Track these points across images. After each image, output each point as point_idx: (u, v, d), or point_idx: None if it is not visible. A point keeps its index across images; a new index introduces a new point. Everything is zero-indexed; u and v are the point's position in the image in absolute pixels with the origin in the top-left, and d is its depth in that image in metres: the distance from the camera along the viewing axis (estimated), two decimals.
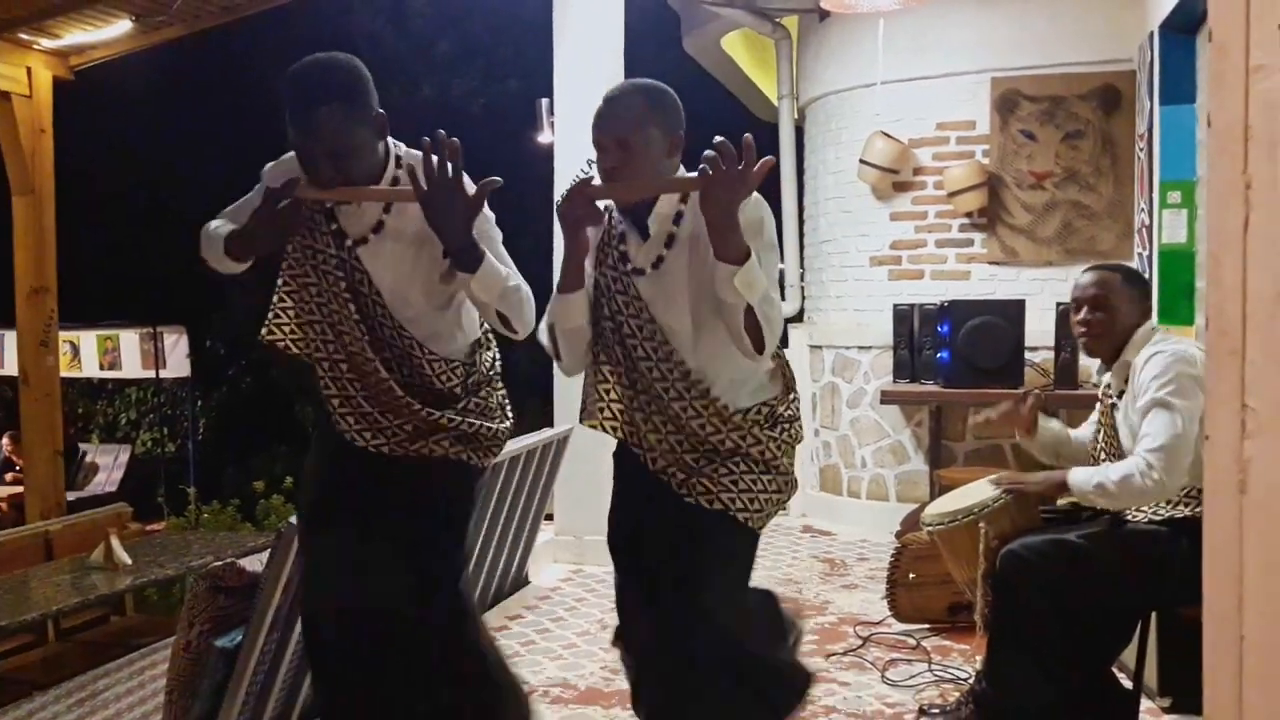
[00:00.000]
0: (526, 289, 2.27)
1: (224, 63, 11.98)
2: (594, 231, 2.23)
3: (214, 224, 2.32)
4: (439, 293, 2.30)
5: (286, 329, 2.32)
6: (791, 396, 2.32)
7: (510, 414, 2.47)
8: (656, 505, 2.26)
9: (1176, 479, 2.62)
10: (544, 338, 2.29)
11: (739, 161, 1.97)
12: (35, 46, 6.90)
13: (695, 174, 2.05)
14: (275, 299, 2.32)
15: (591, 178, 2.16)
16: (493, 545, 4.22)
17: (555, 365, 2.35)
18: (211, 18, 6.70)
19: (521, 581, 4.66)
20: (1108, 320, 2.83)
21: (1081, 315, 2.87)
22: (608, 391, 2.28)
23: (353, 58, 2.21)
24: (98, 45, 6.98)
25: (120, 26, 6.64)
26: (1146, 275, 4.67)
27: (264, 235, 2.21)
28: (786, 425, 2.28)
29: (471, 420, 2.33)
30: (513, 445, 4.17)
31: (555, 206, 2.15)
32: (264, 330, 2.32)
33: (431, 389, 2.31)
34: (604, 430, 2.31)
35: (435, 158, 2.10)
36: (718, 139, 1.97)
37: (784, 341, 4.23)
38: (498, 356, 2.50)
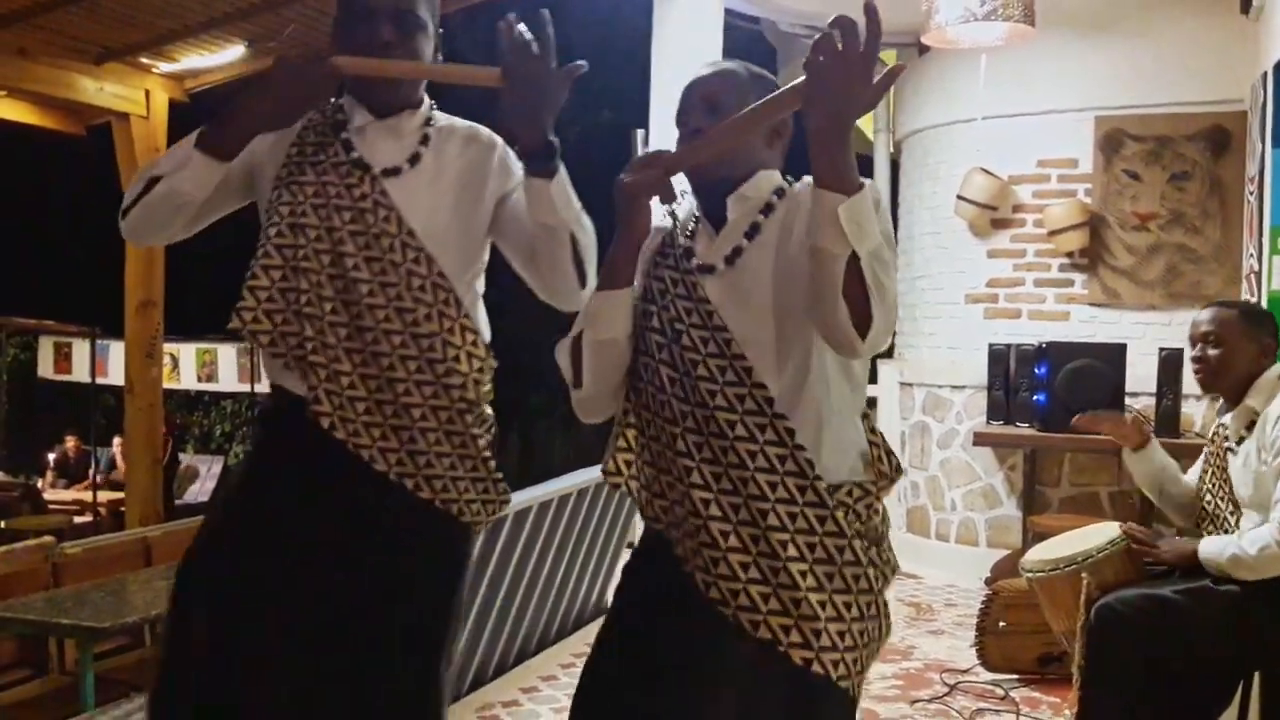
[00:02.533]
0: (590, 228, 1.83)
1: None
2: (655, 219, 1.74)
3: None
4: (471, 257, 1.90)
5: (255, 310, 1.82)
6: (881, 505, 1.67)
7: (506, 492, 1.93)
8: (693, 633, 1.59)
9: None
10: (563, 356, 1.72)
11: (862, 40, 1.41)
12: (154, 70, 7.24)
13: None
14: (248, 273, 1.83)
15: (663, 150, 1.67)
16: (573, 572, 4.26)
17: (575, 405, 1.75)
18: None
19: (602, 608, 4.69)
20: (1222, 358, 2.77)
21: (1196, 351, 2.83)
22: (636, 439, 1.70)
23: None
24: (212, 69, 7.30)
25: (234, 51, 6.93)
26: None
27: (276, 101, 1.77)
28: (879, 544, 1.65)
29: (484, 444, 1.87)
30: (593, 473, 4.21)
31: (616, 181, 1.61)
32: (233, 319, 1.83)
33: (456, 385, 1.82)
34: (628, 491, 1.71)
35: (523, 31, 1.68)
36: (835, 17, 1.42)
37: (872, 377, 4.18)
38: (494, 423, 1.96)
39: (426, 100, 1.93)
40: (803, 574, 1.54)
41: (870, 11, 1.41)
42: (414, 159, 1.85)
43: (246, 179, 1.90)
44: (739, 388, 1.59)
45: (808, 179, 1.58)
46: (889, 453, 1.70)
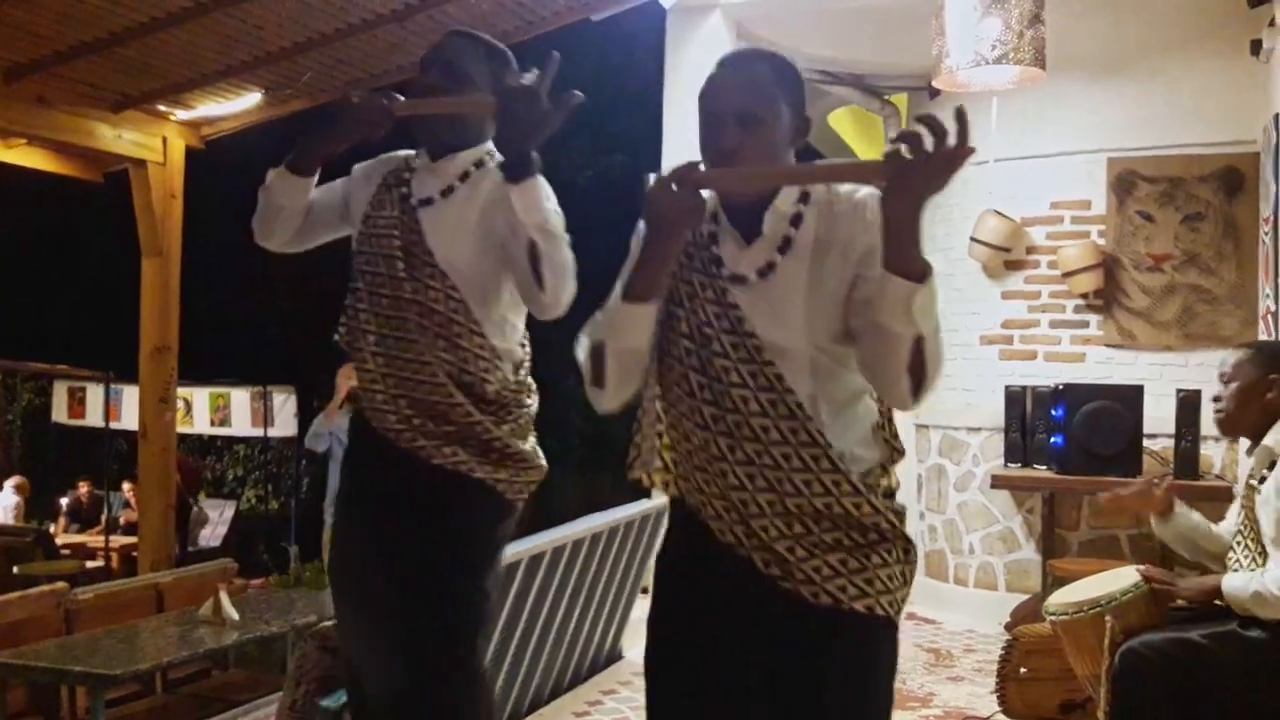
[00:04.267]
0: (569, 254, 2.02)
1: None
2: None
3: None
4: (489, 273, 2.14)
5: (345, 326, 2.20)
6: (893, 468, 1.83)
7: (544, 463, 2.26)
8: (748, 607, 1.71)
9: None
10: (583, 355, 1.75)
11: (952, 140, 1.47)
12: (171, 117, 7.33)
13: (874, 159, 1.59)
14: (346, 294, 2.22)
15: (697, 163, 1.66)
16: (588, 619, 4.23)
17: (589, 397, 1.79)
18: (335, 91, 7.01)
19: (615, 656, 4.64)
20: (1234, 397, 2.77)
21: (1215, 393, 2.84)
22: (672, 436, 1.78)
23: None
24: (228, 117, 7.38)
25: (250, 99, 7.01)
26: None
27: (342, 127, 2.15)
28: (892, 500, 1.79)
29: (507, 441, 2.16)
30: (608, 518, 4.20)
31: (646, 197, 1.62)
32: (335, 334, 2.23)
33: (472, 388, 2.13)
34: (660, 488, 1.84)
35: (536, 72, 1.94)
36: (920, 115, 1.54)
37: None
38: (535, 403, 2.28)
39: (487, 145, 2.19)
40: (843, 545, 1.68)
41: (961, 116, 1.47)
42: (447, 191, 2.16)
43: (343, 210, 2.30)
44: (770, 393, 1.66)
45: (835, 190, 1.71)
46: (890, 422, 1.82)
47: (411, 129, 2.20)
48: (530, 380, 2.27)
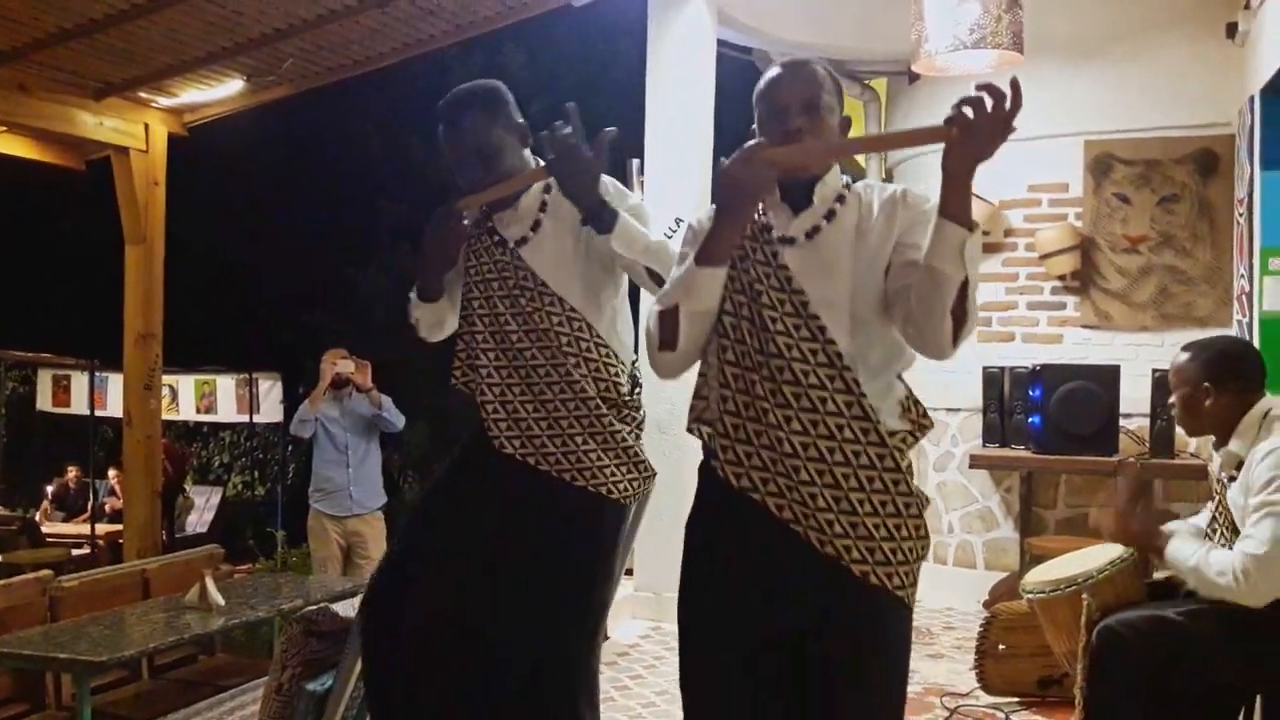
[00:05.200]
0: (671, 246, 2.21)
1: (325, 121, 12.42)
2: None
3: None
4: (599, 285, 2.34)
5: (459, 370, 2.39)
6: (913, 448, 1.95)
7: (651, 469, 2.39)
8: (773, 562, 1.87)
9: (1270, 589, 2.51)
10: (652, 323, 1.95)
11: (1008, 103, 1.70)
12: (153, 104, 7.25)
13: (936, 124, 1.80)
14: (455, 343, 2.42)
15: (764, 142, 1.88)
16: None
17: (653, 364, 1.99)
18: (316, 78, 6.97)
19: (607, 636, 4.64)
20: (1183, 408, 2.78)
21: (1170, 399, 2.83)
22: (721, 387, 1.93)
23: (494, 80, 2.41)
24: (211, 103, 7.31)
25: (232, 86, 6.94)
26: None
27: (434, 255, 2.36)
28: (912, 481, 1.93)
29: (627, 434, 2.31)
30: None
31: (721, 173, 1.86)
32: (452, 378, 2.41)
33: (605, 394, 2.30)
34: (706, 439, 1.97)
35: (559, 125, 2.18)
36: (977, 83, 1.73)
37: None
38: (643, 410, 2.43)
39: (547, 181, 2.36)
40: (861, 502, 1.82)
41: (1015, 85, 1.70)
42: (535, 225, 2.34)
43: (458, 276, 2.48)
44: (812, 343, 1.84)
45: (867, 182, 1.97)
46: (918, 403, 1.95)
47: (459, 180, 2.38)
48: (640, 376, 2.42)
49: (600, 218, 2.20)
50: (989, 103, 1.69)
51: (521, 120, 2.38)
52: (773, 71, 1.98)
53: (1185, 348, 2.85)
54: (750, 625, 1.88)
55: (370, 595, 2.40)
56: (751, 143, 1.86)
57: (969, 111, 1.70)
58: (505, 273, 2.32)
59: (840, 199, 1.94)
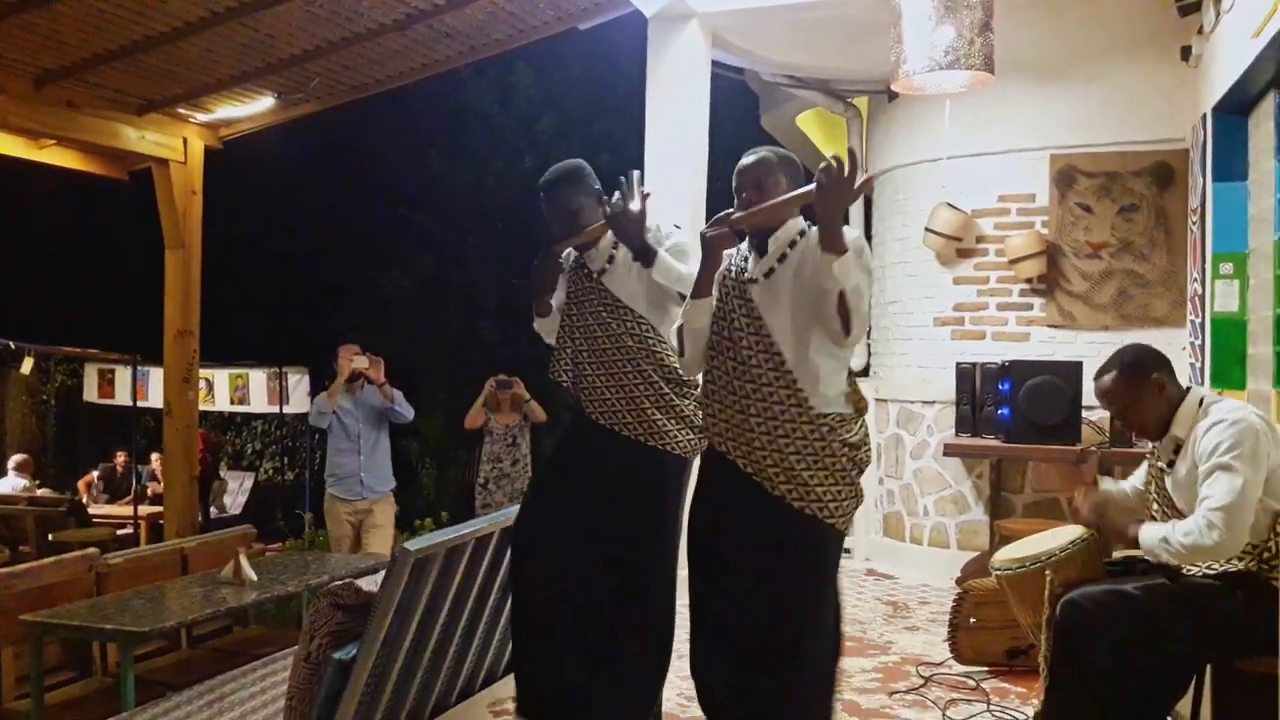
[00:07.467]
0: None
1: (350, 135, 12.40)
2: (726, 254, 2.61)
3: None
4: (660, 298, 2.89)
5: (561, 366, 2.98)
6: (859, 424, 2.52)
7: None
8: (739, 502, 2.50)
9: (1238, 537, 2.53)
10: (673, 338, 2.74)
11: (846, 170, 2.28)
12: (191, 119, 7.26)
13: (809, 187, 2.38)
14: (554, 347, 3.02)
15: (731, 211, 2.54)
16: None
17: (681, 365, 2.78)
18: (342, 95, 6.97)
19: None
20: (1130, 418, 2.82)
21: (1110, 416, 2.87)
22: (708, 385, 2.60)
23: (579, 160, 3.00)
24: (244, 119, 7.32)
25: (264, 102, 6.95)
26: (1199, 341, 4.55)
27: (540, 283, 3.01)
28: (854, 449, 2.48)
29: (684, 406, 2.85)
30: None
31: (700, 233, 2.56)
32: (550, 371, 2.99)
33: (669, 376, 2.85)
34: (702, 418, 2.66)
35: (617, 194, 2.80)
36: (830, 154, 2.36)
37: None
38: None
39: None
40: (803, 466, 2.44)
41: (852, 154, 2.35)
42: (610, 259, 2.94)
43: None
44: (765, 353, 2.49)
45: (813, 227, 2.44)
46: (858, 390, 2.56)
47: (554, 229, 2.99)
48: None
49: (645, 256, 2.81)
50: (845, 168, 2.27)
51: (598, 186, 2.95)
52: (741, 162, 2.59)
53: (1099, 373, 2.85)
54: (722, 529, 2.55)
55: (518, 524, 2.94)
56: (721, 213, 2.53)
57: (824, 177, 2.27)
58: (591, 294, 2.93)
59: (793, 244, 2.54)
